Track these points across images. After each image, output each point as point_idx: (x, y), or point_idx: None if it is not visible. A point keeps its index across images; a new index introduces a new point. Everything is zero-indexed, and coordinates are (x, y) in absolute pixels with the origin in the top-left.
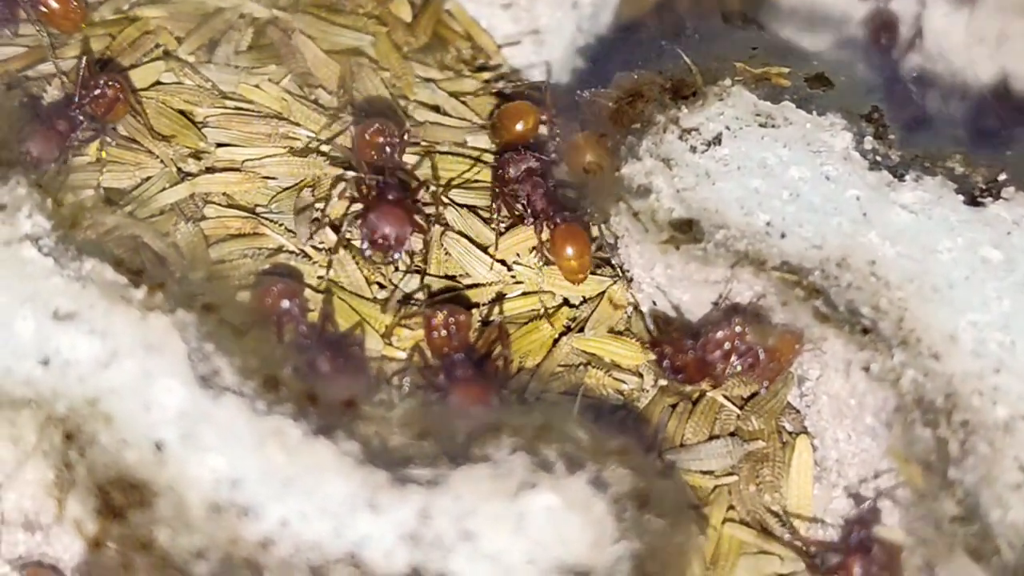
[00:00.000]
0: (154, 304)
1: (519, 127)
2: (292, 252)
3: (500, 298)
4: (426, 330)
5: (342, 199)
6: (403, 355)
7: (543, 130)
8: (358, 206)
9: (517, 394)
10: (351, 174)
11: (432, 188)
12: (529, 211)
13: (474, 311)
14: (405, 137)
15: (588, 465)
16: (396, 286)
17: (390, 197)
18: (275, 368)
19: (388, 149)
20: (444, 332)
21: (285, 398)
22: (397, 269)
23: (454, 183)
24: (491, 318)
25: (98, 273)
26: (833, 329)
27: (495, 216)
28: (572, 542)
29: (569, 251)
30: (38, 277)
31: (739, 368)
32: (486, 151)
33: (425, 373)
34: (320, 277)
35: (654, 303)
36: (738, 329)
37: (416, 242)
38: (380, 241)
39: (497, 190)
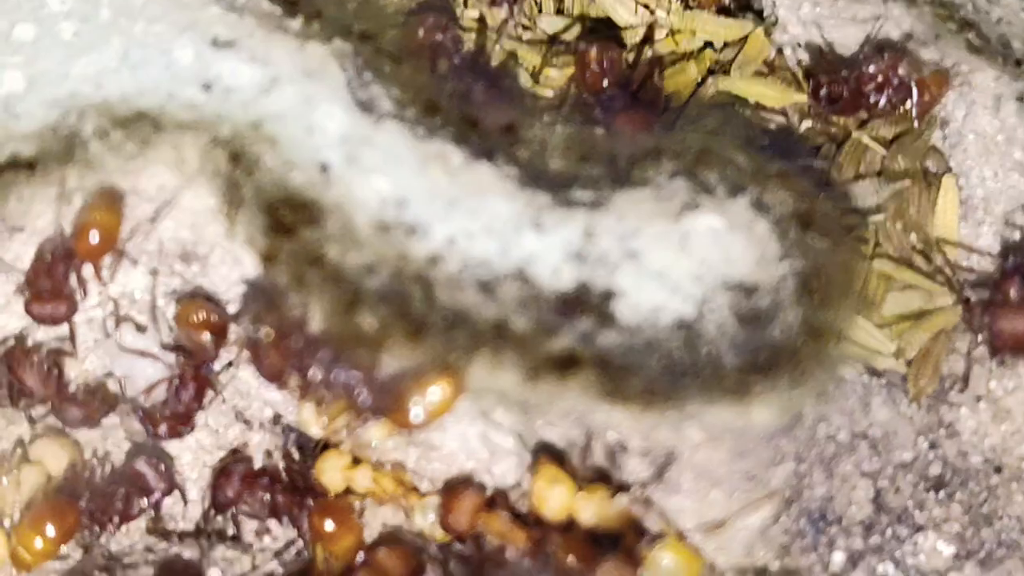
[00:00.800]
0: (311, 33)
1: None
2: None
3: (646, 40)
4: (579, 66)
5: None
6: (553, 93)
7: None
8: None
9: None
10: None
11: None
12: None
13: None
14: None
15: (749, 188)
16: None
17: None
18: (433, 96)
19: None
20: (597, 67)
21: (445, 124)
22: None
23: None
24: (638, 59)
25: (254, 3)
26: (985, 60)
27: None
28: (737, 260)
29: None
30: (195, 7)
31: (891, 102)
32: None
33: (580, 107)
34: (471, 18)
35: (800, 44)
36: (891, 63)
37: None
38: None
39: None
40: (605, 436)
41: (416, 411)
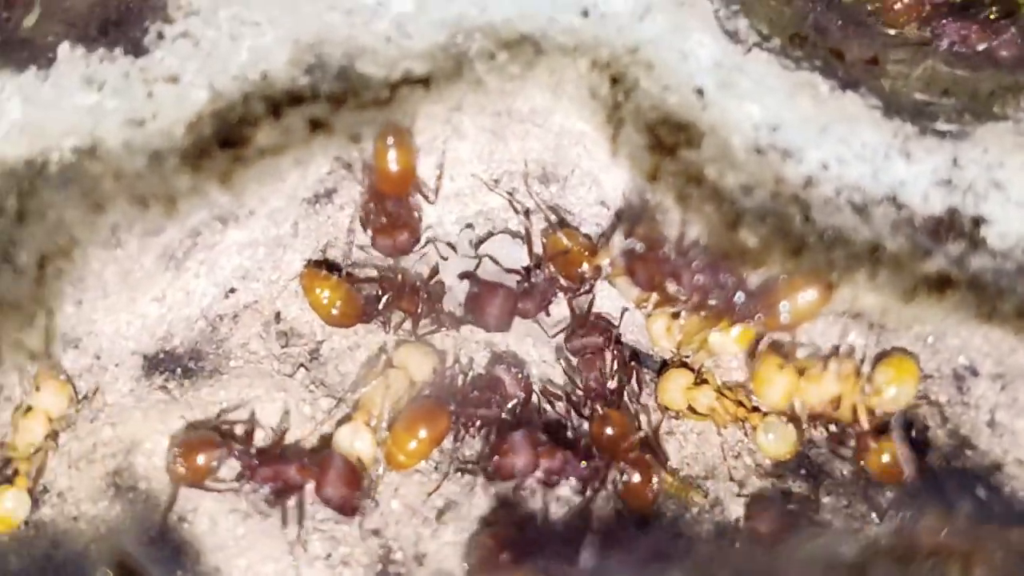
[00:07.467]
0: None
1: None
2: None
3: None
4: None
5: None
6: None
7: None
8: None
9: None
10: None
11: None
12: None
13: None
14: None
15: None
16: None
17: None
18: (799, 27)
19: None
20: None
21: (812, 54)
22: None
23: None
24: None
25: None
26: None
27: None
28: None
29: None
30: None
31: None
32: None
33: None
34: None
35: None
36: None
37: None
38: None
39: None
40: (956, 360)
41: (785, 312)
